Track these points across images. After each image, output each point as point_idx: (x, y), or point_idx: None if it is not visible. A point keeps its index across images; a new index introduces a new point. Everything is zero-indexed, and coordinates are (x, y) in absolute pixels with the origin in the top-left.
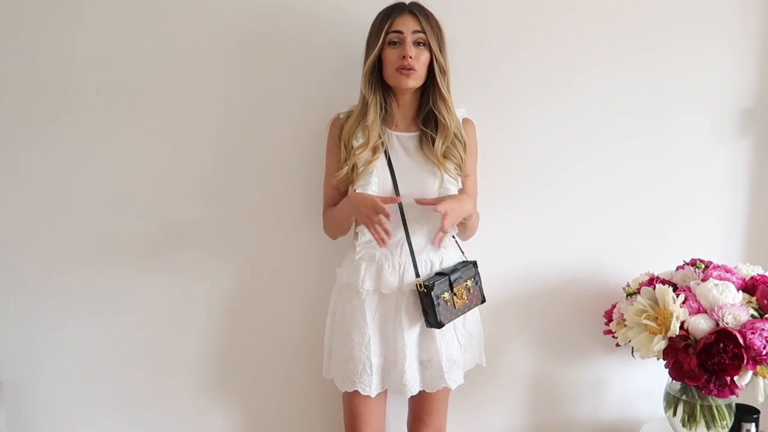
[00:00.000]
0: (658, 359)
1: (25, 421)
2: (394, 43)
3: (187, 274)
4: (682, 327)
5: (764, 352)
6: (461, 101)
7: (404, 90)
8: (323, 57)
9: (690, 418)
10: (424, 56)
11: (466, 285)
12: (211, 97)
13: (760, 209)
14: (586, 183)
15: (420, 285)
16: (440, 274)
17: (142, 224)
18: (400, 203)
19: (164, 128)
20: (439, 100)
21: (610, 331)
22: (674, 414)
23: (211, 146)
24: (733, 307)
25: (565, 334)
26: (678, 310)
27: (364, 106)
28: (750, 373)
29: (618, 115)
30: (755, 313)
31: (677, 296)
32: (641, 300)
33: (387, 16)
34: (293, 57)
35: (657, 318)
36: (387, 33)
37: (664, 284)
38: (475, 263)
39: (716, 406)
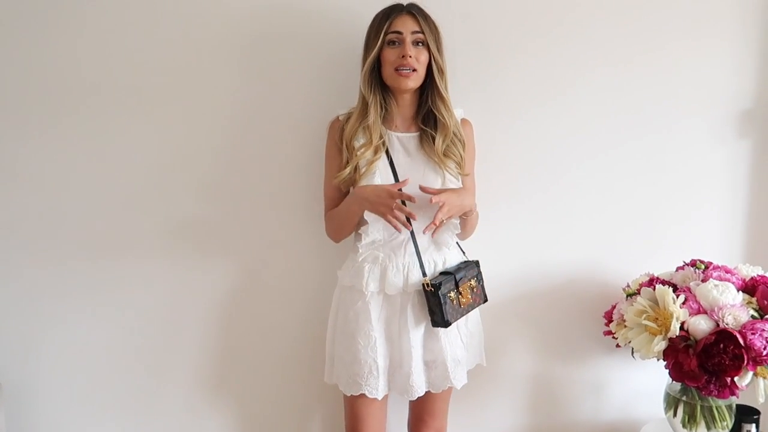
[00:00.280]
0: (658, 360)
1: (24, 422)
2: (393, 43)
3: (187, 275)
4: (682, 328)
5: (764, 353)
6: (461, 102)
7: (404, 91)
8: (324, 57)
9: (690, 419)
10: (423, 56)
11: (470, 284)
12: (212, 96)
13: (760, 210)
14: (586, 184)
15: (427, 284)
16: (445, 273)
17: (142, 225)
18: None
19: (164, 129)
20: (438, 100)
21: (610, 332)
22: (674, 415)
23: (210, 146)
24: (733, 308)
25: (565, 335)
26: (678, 311)
27: (364, 106)
28: (750, 373)
29: (618, 116)
30: (755, 314)
31: (677, 297)
32: (641, 301)
33: (386, 16)
34: (294, 57)
35: (657, 319)
36: (386, 33)
37: (664, 285)
38: (477, 263)
39: (716, 407)
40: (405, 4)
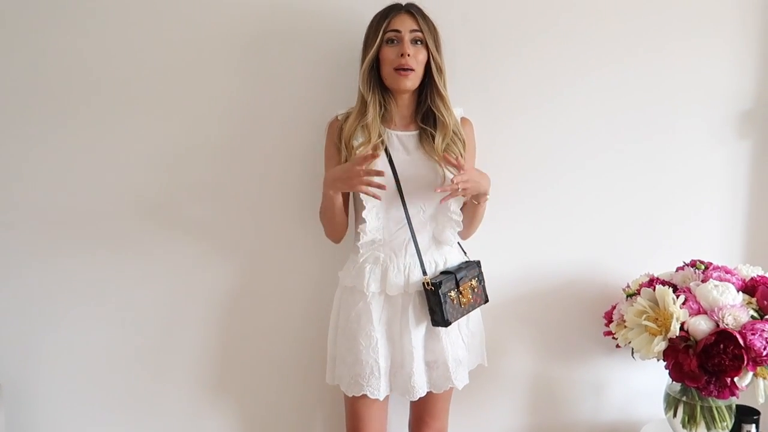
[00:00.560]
0: (658, 360)
1: (24, 422)
2: (392, 41)
3: (187, 276)
4: (682, 328)
5: (764, 353)
6: (461, 102)
7: (403, 92)
8: (324, 57)
9: (690, 420)
10: (422, 55)
11: (471, 284)
12: (212, 96)
13: (760, 210)
14: (586, 184)
15: (427, 283)
16: (446, 272)
17: (143, 225)
18: (404, 204)
19: (164, 129)
20: (437, 99)
21: (610, 332)
22: (674, 415)
23: (210, 147)
24: (733, 308)
25: (565, 335)
26: (678, 311)
27: (362, 105)
28: (750, 374)
29: (618, 116)
30: (755, 314)
31: (677, 297)
32: (641, 301)
33: (384, 15)
34: (293, 57)
35: (657, 319)
36: (385, 32)
37: (664, 285)
38: (478, 263)
39: (716, 408)
40: (404, 3)
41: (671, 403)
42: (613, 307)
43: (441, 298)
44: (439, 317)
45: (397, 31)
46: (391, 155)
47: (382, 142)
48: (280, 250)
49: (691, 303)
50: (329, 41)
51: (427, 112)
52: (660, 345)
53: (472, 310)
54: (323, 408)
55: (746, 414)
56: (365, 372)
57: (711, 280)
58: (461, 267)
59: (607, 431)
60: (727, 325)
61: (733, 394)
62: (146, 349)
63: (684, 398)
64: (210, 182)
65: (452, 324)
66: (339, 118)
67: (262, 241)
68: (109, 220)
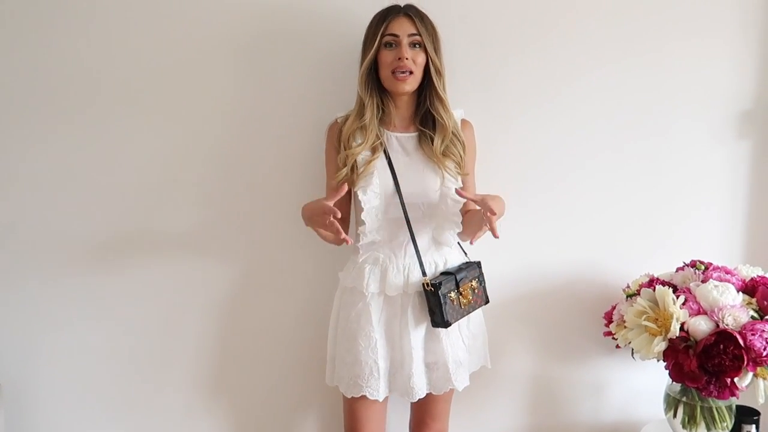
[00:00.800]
0: (658, 360)
1: (23, 423)
2: (390, 45)
3: (186, 278)
4: (682, 328)
5: (764, 354)
6: (460, 103)
7: (401, 94)
8: (324, 59)
9: (690, 420)
10: (420, 58)
11: (471, 285)
12: (211, 99)
13: (760, 210)
14: (586, 184)
15: (427, 284)
16: (446, 273)
17: (142, 227)
18: (404, 204)
19: (163, 131)
20: (436, 101)
21: (610, 333)
22: (674, 415)
23: (209, 148)
24: (733, 309)
25: (565, 336)
26: (678, 312)
27: (361, 107)
28: (750, 374)
29: (618, 117)
30: (755, 315)
31: (677, 297)
32: (641, 301)
33: (382, 18)
34: (294, 59)
35: (657, 319)
36: (382, 35)
37: (664, 285)
38: (479, 264)
39: (716, 408)
40: (402, 5)
41: (671, 403)
42: (613, 308)
43: (441, 299)
44: (438, 318)
45: (395, 35)
46: (391, 157)
47: (381, 143)
48: (280, 251)
49: (691, 303)
50: (330, 43)
51: (426, 114)
52: (660, 345)
53: (473, 311)
54: (321, 409)
55: (746, 414)
56: (364, 373)
57: (711, 280)
58: (461, 268)
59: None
60: (727, 325)
61: (733, 394)
62: (146, 350)
63: (684, 399)
64: (209, 184)
65: (452, 325)
66: (338, 121)
67: (262, 242)
68: (108, 221)
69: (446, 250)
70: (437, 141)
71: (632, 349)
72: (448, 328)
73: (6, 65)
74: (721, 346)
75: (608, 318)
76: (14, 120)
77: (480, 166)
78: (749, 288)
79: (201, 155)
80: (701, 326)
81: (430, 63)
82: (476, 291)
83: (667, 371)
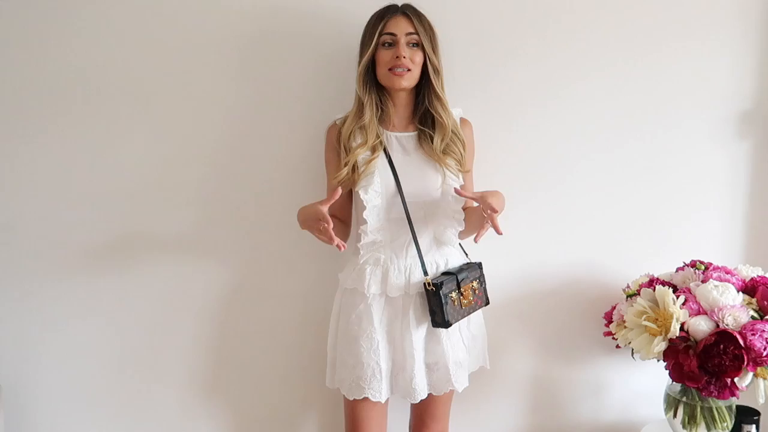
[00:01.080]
0: (658, 361)
1: (23, 424)
2: (388, 44)
3: (186, 279)
4: (682, 328)
5: (764, 354)
6: (459, 103)
7: (398, 90)
8: (323, 60)
9: (690, 420)
10: (418, 57)
11: (472, 286)
12: (209, 99)
13: (760, 211)
14: (586, 185)
15: (428, 284)
16: (447, 273)
17: (140, 228)
18: (405, 204)
19: (161, 133)
20: (434, 100)
21: (610, 333)
22: (674, 416)
23: (208, 149)
24: (733, 309)
25: (565, 336)
26: (678, 312)
27: (359, 106)
28: (750, 374)
29: (618, 117)
30: (755, 315)
31: (677, 298)
32: (641, 301)
33: (380, 17)
34: (291, 60)
35: (657, 319)
36: (380, 34)
37: (664, 285)
38: (480, 264)
39: (716, 408)
40: (400, 5)
41: (671, 403)
42: (613, 308)
43: (442, 299)
44: (439, 318)
45: (393, 34)
46: (391, 156)
47: (381, 142)
48: (279, 252)
49: (691, 303)
50: (330, 45)
51: (425, 113)
52: (660, 345)
53: (473, 311)
54: (322, 411)
55: (746, 414)
56: (366, 375)
57: (711, 280)
58: (462, 268)
59: None
60: (727, 325)
61: (733, 394)
62: (146, 352)
63: (684, 399)
64: (208, 185)
65: (453, 326)
66: (337, 122)
67: (261, 244)
68: (109, 222)
69: (447, 250)
70: (437, 140)
71: (632, 349)
72: (449, 329)
73: (6, 65)
74: (721, 346)
75: (608, 318)
76: (14, 120)
77: (480, 166)
78: (749, 288)
79: (200, 157)
80: (701, 326)
81: (428, 62)
82: (477, 292)
83: (667, 371)
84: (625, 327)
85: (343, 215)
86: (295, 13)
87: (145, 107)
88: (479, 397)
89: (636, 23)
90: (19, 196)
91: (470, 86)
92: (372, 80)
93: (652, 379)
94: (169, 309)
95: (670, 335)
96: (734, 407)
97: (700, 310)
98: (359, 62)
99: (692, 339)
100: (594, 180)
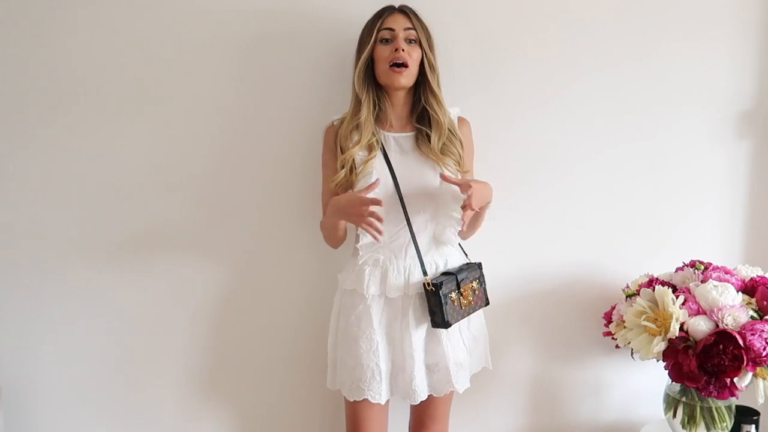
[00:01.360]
0: (657, 361)
1: (22, 424)
2: (386, 40)
3: (185, 280)
4: (681, 328)
5: (764, 354)
6: (459, 103)
7: (397, 88)
8: (323, 61)
9: (690, 420)
10: (416, 53)
11: (472, 286)
12: (207, 99)
13: (760, 211)
14: (585, 185)
15: (428, 284)
16: (447, 273)
17: (140, 227)
18: (403, 204)
19: (160, 131)
20: (430, 97)
21: (609, 333)
22: (674, 416)
23: (206, 150)
24: (733, 309)
25: (565, 336)
26: (677, 312)
27: (357, 104)
28: (750, 374)
29: (618, 117)
30: (755, 315)
31: (677, 297)
32: (641, 301)
33: (378, 15)
34: (289, 60)
35: (656, 319)
36: (379, 30)
37: (663, 286)
38: (479, 265)
39: (716, 408)
40: (397, 6)
41: (671, 403)
42: (613, 308)
43: (441, 299)
44: (439, 318)
45: (391, 29)
46: (389, 157)
47: (377, 141)
48: (279, 253)
49: (690, 303)
50: (328, 46)
51: (422, 112)
52: (659, 345)
53: (473, 312)
54: (321, 412)
55: (746, 414)
56: (366, 376)
57: (710, 280)
58: (462, 268)
59: None
60: (726, 325)
61: (732, 394)
62: (146, 352)
63: (684, 399)
64: (207, 185)
65: (452, 326)
66: (335, 123)
67: (260, 244)
68: (107, 222)
69: (447, 250)
70: (434, 138)
71: (632, 349)
72: (449, 330)
73: (6, 65)
74: (721, 346)
75: (608, 318)
76: (14, 120)
77: (479, 166)
78: (749, 288)
79: (199, 156)
80: (701, 326)
81: (425, 59)
82: (476, 292)
83: (667, 371)
84: (625, 327)
85: None
86: (294, 14)
87: (144, 107)
88: (479, 397)
89: (636, 23)
90: (19, 196)
91: (470, 86)
92: (371, 78)
93: (652, 379)
94: (169, 309)
95: (669, 335)
96: (734, 407)
97: (700, 310)
98: (357, 60)
99: (692, 339)
100: (594, 180)
